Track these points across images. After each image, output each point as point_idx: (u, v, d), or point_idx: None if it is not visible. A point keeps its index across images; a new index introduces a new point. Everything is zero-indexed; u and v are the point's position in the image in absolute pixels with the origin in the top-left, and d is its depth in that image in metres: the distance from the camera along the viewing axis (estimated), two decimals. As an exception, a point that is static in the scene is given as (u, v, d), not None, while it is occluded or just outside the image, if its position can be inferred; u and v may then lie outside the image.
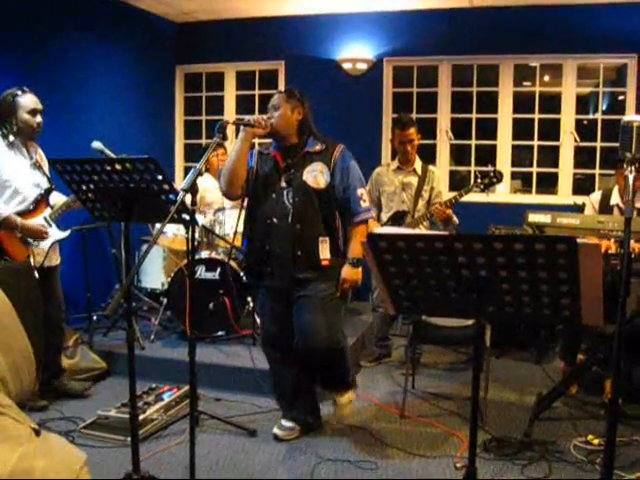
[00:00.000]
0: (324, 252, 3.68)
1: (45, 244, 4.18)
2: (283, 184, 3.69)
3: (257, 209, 3.76)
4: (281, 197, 3.68)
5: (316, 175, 3.67)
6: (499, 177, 4.90)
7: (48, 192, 4.25)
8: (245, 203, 3.88)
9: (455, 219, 4.94)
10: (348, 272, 3.73)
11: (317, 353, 3.70)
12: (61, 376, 4.48)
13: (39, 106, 4.13)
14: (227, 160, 3.71)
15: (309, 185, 3.66)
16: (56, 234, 4.25)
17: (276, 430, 3.93)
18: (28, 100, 4.08)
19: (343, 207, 3.75)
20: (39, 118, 4.13)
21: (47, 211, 4.23)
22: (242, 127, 3.64)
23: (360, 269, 3.75)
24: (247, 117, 3.76)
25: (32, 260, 4.10)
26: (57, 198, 4.30)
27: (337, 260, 3.74)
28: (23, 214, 4.08)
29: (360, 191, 3.74)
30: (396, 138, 5.12)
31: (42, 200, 4.22)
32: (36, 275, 4.05)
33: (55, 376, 4.44)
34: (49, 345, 4.30)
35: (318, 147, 3.74)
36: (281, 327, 3.84)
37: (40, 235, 4.11)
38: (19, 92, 4.07)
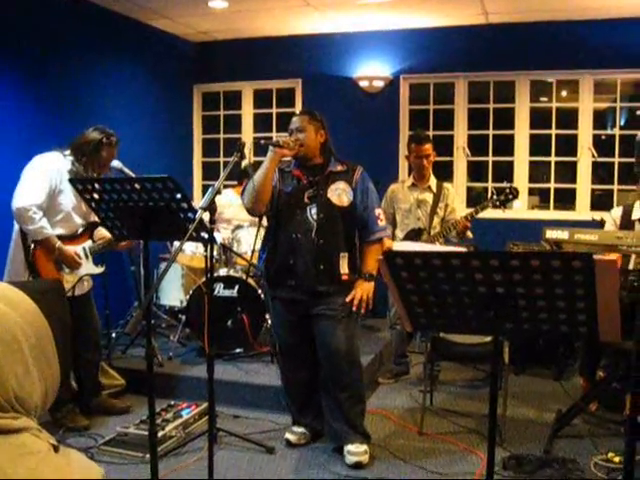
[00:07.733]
0: (344, 267, 3.82)
1: (77, 274, 4.21)
2: (306, 200, 3.81)
3: (281, 225, 3.85)
4: (305, 213, 3.79)
5: (340, 194, 3.83)
6: (515, 193, 4.90)
7: (94, 225, 4.29)
8: (265, 220, 3.93)
9: (469, 233, 4.95)
10: (362, 285, 3.85)
11: (338, 364, 3.80)
12: (100, 394, 4.49)
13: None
14: (254, 178, 3.73)
15: (333, 203, 3.81)
16: (89, 267, 4.30)
17: (288, 435, 4.10)
18: (112, 150, 4.19)
19: (361, 225, 3.91)
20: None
21: (89, 243, 4.29)
22: (271, 147, 3.69)
23: (372, 283, 3.89)
24: (276, 138, 3.85)
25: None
26: (102, 233, 4.30)
27: (354, 275, 3.87)
28: (65, 239, 4.12)
29: (377, 211, 3.94)
30: (412, 153, 5.10)
31: (86, 231, 4.28)
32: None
33: (94, 394, 4.45)
34: (87, 363, 4.37)
35: (339, 167, 3.89)
36: (297, 337, 3.97)
37: (73, 263, 4.14)
38: (108, 140, 4.16)
